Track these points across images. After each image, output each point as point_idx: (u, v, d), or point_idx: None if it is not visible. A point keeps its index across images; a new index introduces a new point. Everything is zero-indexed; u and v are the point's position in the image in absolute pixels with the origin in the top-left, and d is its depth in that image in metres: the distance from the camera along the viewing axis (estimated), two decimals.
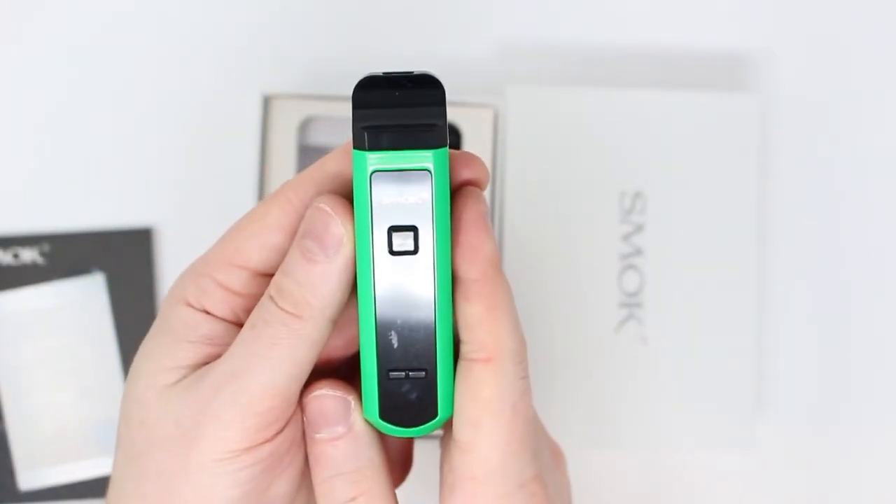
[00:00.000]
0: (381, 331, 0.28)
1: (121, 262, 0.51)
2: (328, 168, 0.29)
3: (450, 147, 0.28)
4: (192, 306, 0.30)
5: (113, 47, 0.53)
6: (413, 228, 0.27)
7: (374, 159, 0.27)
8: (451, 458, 0.29)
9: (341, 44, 0.53)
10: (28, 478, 0.50)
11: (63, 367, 0.51)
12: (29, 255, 0.51)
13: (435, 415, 0.29)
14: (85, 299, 0.51)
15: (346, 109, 0.28)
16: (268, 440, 0.29)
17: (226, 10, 0.53)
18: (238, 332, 0.30)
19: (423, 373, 0.28)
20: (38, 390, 0.51)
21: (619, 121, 0.49)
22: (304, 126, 0.50)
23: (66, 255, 0.51)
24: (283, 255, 0.29)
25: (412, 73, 0.28)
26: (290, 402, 0.29)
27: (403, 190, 0.27)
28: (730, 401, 0.48)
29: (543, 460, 0.31)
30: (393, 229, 0.27)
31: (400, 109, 0.27)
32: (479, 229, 0.28)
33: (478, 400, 0.28)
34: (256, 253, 0.30)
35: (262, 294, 0.30)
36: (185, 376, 0.29)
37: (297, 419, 0.30)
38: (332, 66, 0.52)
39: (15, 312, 0.51)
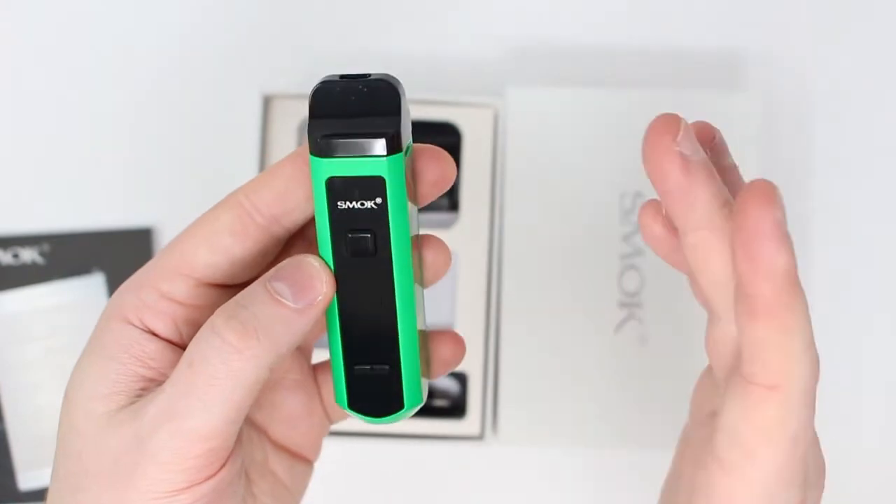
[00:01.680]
0: (345, 328, 0.29)
1: (121, 262, 0.51)
2: (284, 172, 0.29)
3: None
4: (129, 321, 0.29)
5: (113, 48, 0.53)
6: (370, 232, 0.27)
7: (328, 166, 0.27)
8: (706, 467, 0.27)
9: (341, 44, 0.53)
10: (28, 478, 0.50)
11: (63, 367, 0.50)
12: (29, 255, 0.51)
13: (402, 406, 0.29)
14: (85, 299, 0.51)
15: None
16: (208, 478, 0.28)
17: (226, 11, 0.53)
18: (174, 352, 0.29)
19: (387, 367, 0.29)
20: (38, 390, 0.51)
21: (619, 121, 0.49)
22: (304, 126, 0.50)
23: (66, 255, 0.51)
24: (231, 261, 0.29)
25: (369, 76, 0.27)
26: (231, 440, 0.28)
27: (358, 195, 0.27)
28: None
29: (809, 482, 0.28)
30: (350, 232, 0.27)
31: (353, 115, 0.27)
32: (771, 237, 0.24)
33: (755, 427, 0.25)
34: (205, 257, 0.29)
35: (205, 306, 0.29)
36: (121, 404, 0.28)
37: (239, 452, 0.29)
38: (332, 67, 0.52)
39: (15, 312, 0.51)
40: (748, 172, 0.49)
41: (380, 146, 0.27)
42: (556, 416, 0.48)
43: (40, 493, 0.50)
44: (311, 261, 0.28)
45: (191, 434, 0.27)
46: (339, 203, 0.27)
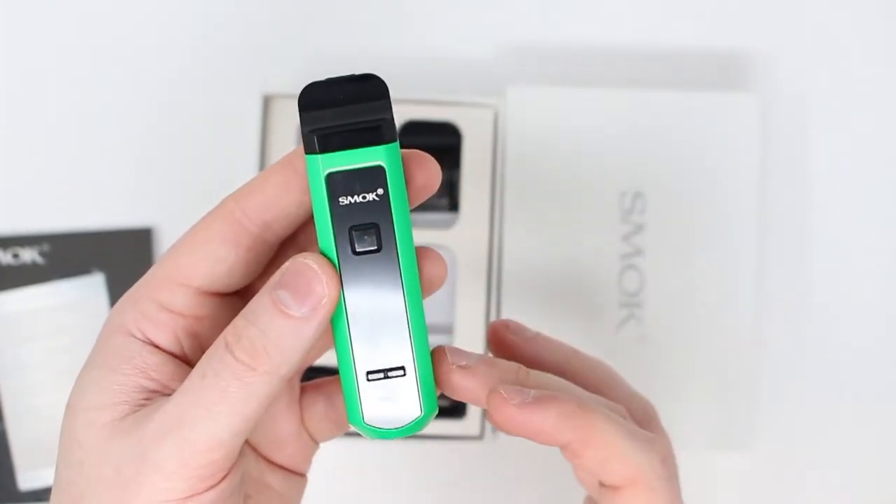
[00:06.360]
0: (355, 333, 0.28)
1: (121, 262, 0.51)
2: (274, 179, 0.29)
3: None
4: (130, 334, 0.29)
5: (113, 48, 0.53)
6: (374, 226, 0.27)
7: (327, 161, 0.27)
8: None
9: (341, 43, 0.53)
10: (28, 478, 0.50)
11: (63, 367, 0.51)
12: (29, 255, 0.51)
13: (420, 412, 0.29)
14: (85, 299, 0.51)
15: None
16: (211, 487, 0.28)
17: (226, 10, 0.53)
18: (176, 364, 0.29)
19: (402, 371, 0.28)
20: (38, 390, 0.51)
21: (619, 121, 0.49)
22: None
23: (66, 255, 0.51)
24: (226, 269, 0.29)
25: (354, 74, 0.28)
26: (235, 452, 0.28)
27: (359, 188, 0.27)
28: (730, 400, 0.48)
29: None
30: (354, 229, 0.27)
31: (346, 108, 0.27)
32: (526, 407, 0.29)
33: None
34: (199, 267, 0.29)
35: (204, 316, 0.29)
36: (124, 414, 0.28)
37: (241, 464, 0.29)
38: (332, 66, 0.52)
39: (15, 312, 0.51)
40: (747, 173, 0.49)
41: (377, 134, 0.27)
42: None
43: (40, 494, 0.50)
44: (310, 263, 0.27)
45: (197, 444, 0.27)
46: (340, 199, 0.27)
